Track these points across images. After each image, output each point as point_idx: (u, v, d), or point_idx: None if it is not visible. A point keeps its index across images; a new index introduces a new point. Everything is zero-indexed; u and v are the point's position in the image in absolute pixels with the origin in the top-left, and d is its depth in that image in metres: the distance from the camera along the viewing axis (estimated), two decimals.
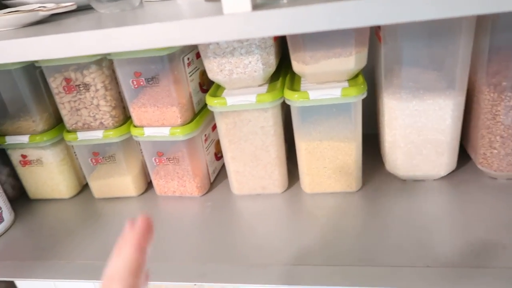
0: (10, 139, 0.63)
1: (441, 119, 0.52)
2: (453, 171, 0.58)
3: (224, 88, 0.58)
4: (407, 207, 0.55)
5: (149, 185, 0.68)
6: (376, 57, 0.58)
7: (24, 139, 0.62)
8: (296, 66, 0.54)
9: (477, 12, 0.32)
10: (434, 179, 0.58)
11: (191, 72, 0.60)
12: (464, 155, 0.61)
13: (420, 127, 0.54)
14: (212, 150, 0.66)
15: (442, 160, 0.55)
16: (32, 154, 0.65)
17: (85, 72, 0.56)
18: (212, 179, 0.67)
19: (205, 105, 0.57)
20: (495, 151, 0.53)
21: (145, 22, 0.36)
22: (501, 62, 0.50)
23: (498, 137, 0.52)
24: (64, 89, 0.58)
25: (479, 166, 0.57)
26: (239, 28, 0.33)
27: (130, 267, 0.27)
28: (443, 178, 0.58)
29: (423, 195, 0.56)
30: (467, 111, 0.56)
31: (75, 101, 0.59)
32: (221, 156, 0.68)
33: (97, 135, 0.60)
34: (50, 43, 0.36)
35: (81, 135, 0.61)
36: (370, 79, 0.62)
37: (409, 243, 0.48)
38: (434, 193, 0.57)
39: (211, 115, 0.63)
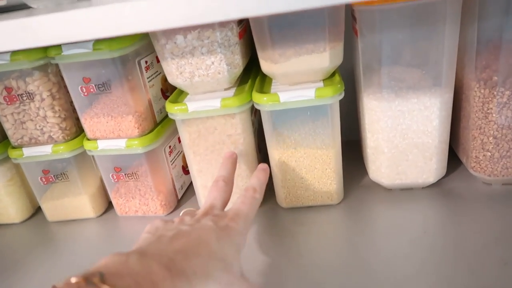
0: None
1: (428, 120, 0.47)
2: (443, 178, 0.53)
3: (187, 94, 0.52)
4: (393, 219, 0.49)
5: (109, 205, 0.61)
6: (354, 54, 0.52)
7: None
8: (265, 65, 0.48)
9: None
10: (423, 187, 0.53)
11: (150, 77, 0.54)
12: (454, 159, 0.55)
13: (405, 130, 0.48)
14: (179, 163, 0.60)
15: (431, 165, 0.50)
16: None
17: (28, 79, 0.50)
18: (180, 196, 0.60)
19: None
20: (488, 153, 0.48)
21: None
22: (490, 55, 0.45)
23: (491, 138, 0.47)
24: (5, 100, 0.51)
25: (471, 171, 0.51)
26: (187, 11, 0.27)
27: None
28: (432, 185, 0.52)
29: (411, 206, 0.51)
30: (456, 110, 0.51)
31: (18, 113, 0.52)
32: None
33: (45, 151, 0.54)
34: None
35: (28, 151, 0.54)
36: (351, 83, 0.57)
37: (396, 260, 0.42)
38: (423, 202, 0.51)
39: (175, 124, 0.57)
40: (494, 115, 0.46)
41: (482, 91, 0.46)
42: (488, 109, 0.46)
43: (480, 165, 0.50)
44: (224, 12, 0.27)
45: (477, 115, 0.48)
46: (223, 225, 0.35)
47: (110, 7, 0.28)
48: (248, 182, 0.52)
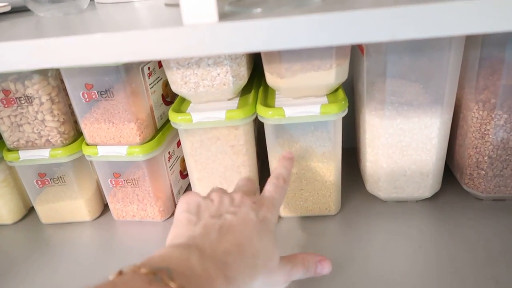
0: None
1: (427, 138, 0.48)
2: (437, 192, 0.54)
3: (189, 102, 0.52)
4: (389, 232, 0.50)
5: (105, 208, 0.61)
6: (357, 70, 0.53)
7: None
8: (270, 79, 0.48)
9: (463, 32, 0.28)
10: (417, 201, 0.54)
11: (153, 83, 0.53)
12: (447, 174, 0.57)
13: (405, 147, 0.49)
14: (177, 168, 0.60)
15: (427, 181, 0.51)
16: None
17: (27, 82, 0.49)
18: (177, 201, 0.60)
19: (169, 119, 0.51)
20: (483, 172, 0.50)
21: (85, 31, 0.29)
22: (490, 77, 0.46)
23: (486, 158, 0.49)
24: (2, 102, 0.50)
25: (465, 187, 0.53)
26: (202, 42, 0.27)
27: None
28: (426, 199, 0.54)
29: (406, 219, 0.52)
30: (453, 128, 0.52)
31: (15, 116, 0.51)
32: (187, 174, 0.62)
33: (43, 155, 0.53)
34: None
35: (24, 154, 0.53)
36: (347, 92, 0.57)
37: (390, 274, 0.44)
38: (417, 216, 0.52)
39: (175, 130, 0.56)
40: (490, 136, 0.48)
41: (481, 112, 0.47)
42: (485, 130, 0.48)
43: (473, 182, 0.52)
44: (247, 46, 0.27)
45: (474, 135, 0.49)
46: (262, 216, 0.37)
47: (130, 34, 0.28)
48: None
